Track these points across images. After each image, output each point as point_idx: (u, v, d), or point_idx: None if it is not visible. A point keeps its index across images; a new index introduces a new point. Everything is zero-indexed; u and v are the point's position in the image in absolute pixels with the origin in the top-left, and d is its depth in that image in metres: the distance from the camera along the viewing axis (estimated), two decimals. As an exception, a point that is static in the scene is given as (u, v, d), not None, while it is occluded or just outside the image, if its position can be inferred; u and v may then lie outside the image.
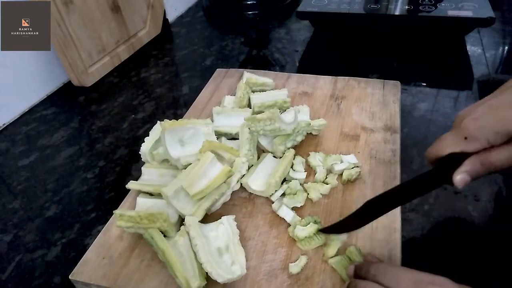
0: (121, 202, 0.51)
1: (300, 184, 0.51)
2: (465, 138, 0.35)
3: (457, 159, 0.36)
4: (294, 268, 0.41)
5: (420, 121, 0.64)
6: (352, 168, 0.52)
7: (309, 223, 0.45)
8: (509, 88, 0.35)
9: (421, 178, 0.38)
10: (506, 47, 0.84)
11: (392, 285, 0.33)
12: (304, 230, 0.44)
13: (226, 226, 0.45)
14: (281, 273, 0.42)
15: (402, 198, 0.40)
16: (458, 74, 0.76)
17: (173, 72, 0.85)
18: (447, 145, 0.36)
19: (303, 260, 0.42)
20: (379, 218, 0.41)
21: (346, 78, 0.70)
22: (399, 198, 0.40)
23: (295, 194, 0.49)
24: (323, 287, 0.40)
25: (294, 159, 0.54)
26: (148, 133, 0.55)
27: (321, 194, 0.49)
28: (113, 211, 0.45)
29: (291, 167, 0.53)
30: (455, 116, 0.38)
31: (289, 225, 0.46)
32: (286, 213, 0.47)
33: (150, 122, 0.70)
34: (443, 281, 0.32)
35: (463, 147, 0.35)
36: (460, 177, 0.35)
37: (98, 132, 0.69)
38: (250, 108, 0.63)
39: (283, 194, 0.49)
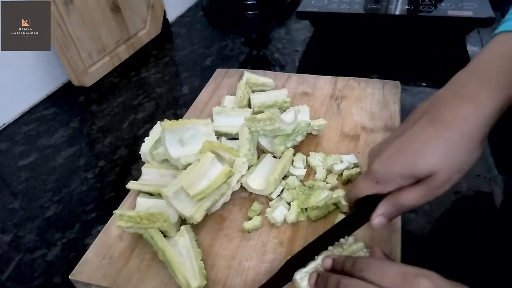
0: (121, 202, 0.51)
1: (300, 180, 0.51)
2: (377, 182, 0.37)
3: (372, 200, 0.38)
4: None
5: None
6: (352, 168, 0.52)
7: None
8: (413, 125, 0.36)
9: (342, 223, 0.41)
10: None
11: (377, 280, 0.33)
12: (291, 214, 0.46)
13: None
14: (281, 273, 0.42)
15: (326, 244, 0.40)
16: (458, 74, 0.76)
17: (173, 72, 0.86)
18: (362, 189, 0.39)
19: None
20: None
21: (346, 78, 0.70)
22: (322, 247, 0.40)
23: (294, 189, 0.49)
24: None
25: (294, 156, 0.54)
26: (148, 133, 0.55)
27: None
28: (113, 211, 0.45)
29: (292, 163, 0.53)
30: (368, 153, 0.40)
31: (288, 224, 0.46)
32: (278, 216, 0.47)
33: (150, 122, 0.70)
34: (430, 273, 0.32)
35: (377, 190, 0.37)
36: (376, 221, 0.37)
37: (98, 132, 0.69)
38: (250, 108, 0.63)
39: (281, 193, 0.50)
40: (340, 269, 0.37)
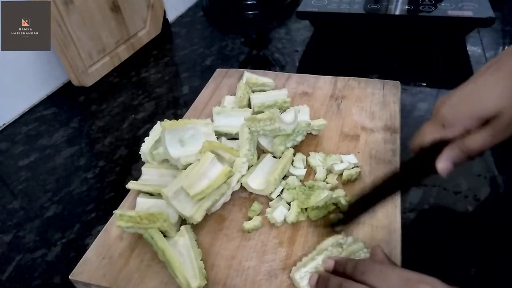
0: (121, 202, 0.51)
1: (300, 180, 0.51)
2: (443, 125, 0.37)
3: (438, 146, 0.37)
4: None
5: (420, 121, 0.64)
6: (352, 168, 0.52)
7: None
8: (481, 75, 0.37)
9: (409, 165, 0.41)
10: (506, 47, 0.84)
11: (379, 284, 0.33)
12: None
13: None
14: (281, 273, 0.42)
15: (394, 188, 0.42)
16: (458, 74, 0.76)
17: (173, 72, 0.85)
18: (427, 134, 0.39)
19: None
20: (378, 217, 0.41)
21: (346, 78, 0.70)
22: (390, 188, 0.42)
23: (294, 189, 0.49)
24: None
25: (294, 156, 0.54)
26: (148, 133, 0.55)
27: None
28: (113, 211, 0.45)
29: (292, 163, 0.53)
30: (434, 105, 0.40)
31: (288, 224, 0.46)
32: (278, 216, 0.47)
33: (150, 122, 0.70)
34: (432, 281, 0.32)
35: (442, 134, 0.38)
36: (442, 164, 0.37)
37: (98, 132, 0.69)
38: (250, 108, 0.63)
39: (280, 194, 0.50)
40: (341, 271, 0.37)
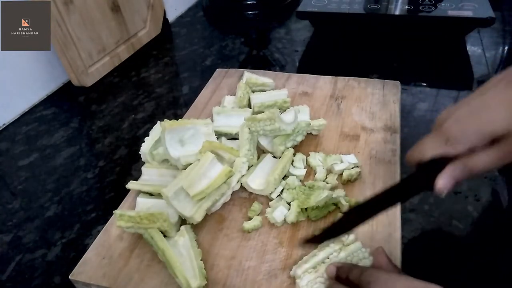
0: (121, 202, 0.51)
1: (300, 180, 0.51)
2: (447, 141, 0.34)
3: (438, 163, 0.34)
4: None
5: (420, 121, 0.64)
6: (352, 168, 0.52)
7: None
8: (490, 89, 0.34)
9: (404, 183, 0.37)
10: (506, 47, 0.84)
11: None
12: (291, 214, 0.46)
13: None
14: (281, 273, 0.42)
15: (385, 204, 0.38)
16: (458, 74, 0.76)
17: (173, 72, 0.86)
18: (428, 149, 0.35)
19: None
20: (378, 217, 0.41)
21: (346, 78, 0.70)
22: (383, 204, 0.38)
23: (294, 189, 0.49)
24: None
25: (294, 156, 0.54)
26: (148, 133, 0.55)
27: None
28: (113, 211, 0.46)
29: (292, 163, 0.53)
30: (436, 118, 0.37)
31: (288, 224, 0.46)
32: (278, 216, 0.47)
33: (150, 122, 0.70)
34: None
35: (445, 150, 0.34)
36: (442, 182, 0.34)
37: (98, 132, 0.69)
38: (250, 108, 0.63)
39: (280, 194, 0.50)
40: (344, 277, 0.37)
